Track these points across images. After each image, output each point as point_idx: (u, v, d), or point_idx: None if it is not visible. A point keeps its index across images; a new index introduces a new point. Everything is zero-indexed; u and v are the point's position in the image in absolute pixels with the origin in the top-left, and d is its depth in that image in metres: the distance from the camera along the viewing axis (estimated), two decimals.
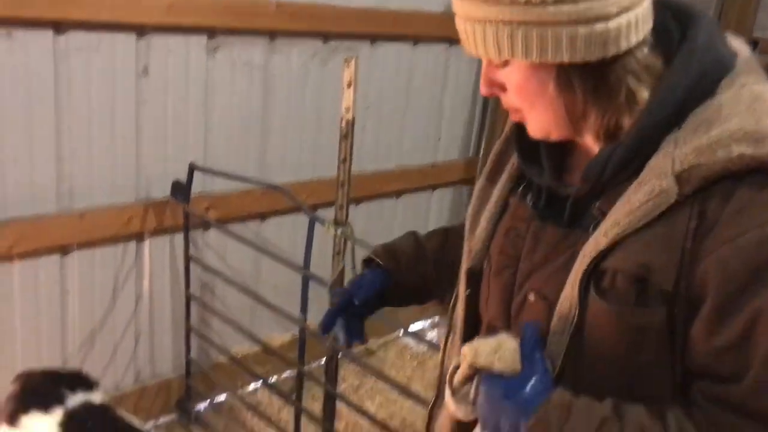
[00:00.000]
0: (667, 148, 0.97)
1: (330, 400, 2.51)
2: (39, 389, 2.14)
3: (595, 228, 1.02)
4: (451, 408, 1.13)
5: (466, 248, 1.26)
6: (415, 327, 4.10)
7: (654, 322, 0.96)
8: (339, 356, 2.52)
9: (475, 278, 1.23)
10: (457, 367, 1.11)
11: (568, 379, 1.03)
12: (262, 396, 3.29)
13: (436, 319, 4.25)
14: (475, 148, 4.07)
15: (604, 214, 1.02)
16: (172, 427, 3.06)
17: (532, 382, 1.00)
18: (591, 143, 1.08)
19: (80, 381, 2.21)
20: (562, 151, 1.14)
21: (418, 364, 3.77)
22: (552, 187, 1.12)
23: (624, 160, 1.01)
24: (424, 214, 4.00)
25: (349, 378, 3.48)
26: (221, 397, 3.24)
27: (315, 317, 2.75)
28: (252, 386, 3.33)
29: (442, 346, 1.34)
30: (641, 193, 0.97)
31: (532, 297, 1.10)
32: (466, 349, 1.07)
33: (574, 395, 0.99)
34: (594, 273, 0.99)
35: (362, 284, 1.42)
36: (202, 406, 3.19)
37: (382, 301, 1.45)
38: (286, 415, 3.09)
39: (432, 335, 4.10)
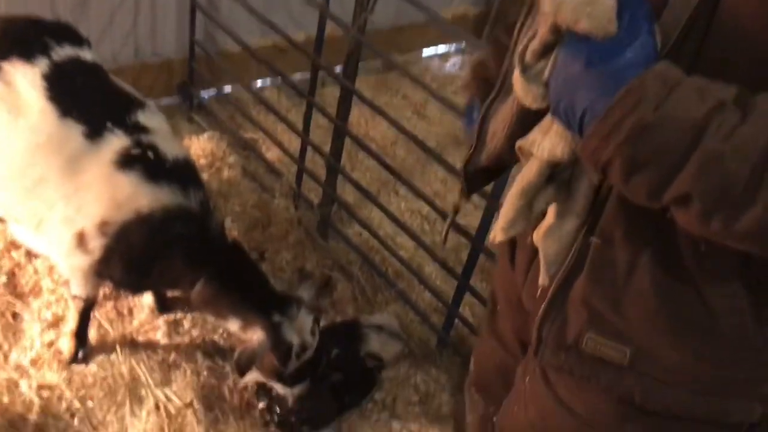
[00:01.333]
0: None
1: (346, 96, 2.29)
2: (20, 35, 1.88)
3: None
4: (519, 90, 0.89)
5: None
6: (439, 50, 3.81)
7: None
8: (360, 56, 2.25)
9: None
10: (532, 39, 0.86)
11: (684, 61, 0.78)
12: (270, 94, 3.08)
13: (463, 44, 3.92)
14: None
15: None
16: (174, 110, 2.88)
17: (631, 47, 0.76)
18: None
19: (68, 34, 1.94)
20: None
21: (438, 87, 3.51)
22: None
23: None
24: None
25: (363, 91, 3.23)
26: (227, 89, 3.02)
27: (337, 4, 2.44)
28: (260, 83, 3.10)
29: (515, 31, 1.05)
30: None
31: None
32: (548, 2, 0.80)
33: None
34: None
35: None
36: (206, 94, 2.99)
37: None
38: (296, 116, 2.90)
39: (455, 60, 3.81)
